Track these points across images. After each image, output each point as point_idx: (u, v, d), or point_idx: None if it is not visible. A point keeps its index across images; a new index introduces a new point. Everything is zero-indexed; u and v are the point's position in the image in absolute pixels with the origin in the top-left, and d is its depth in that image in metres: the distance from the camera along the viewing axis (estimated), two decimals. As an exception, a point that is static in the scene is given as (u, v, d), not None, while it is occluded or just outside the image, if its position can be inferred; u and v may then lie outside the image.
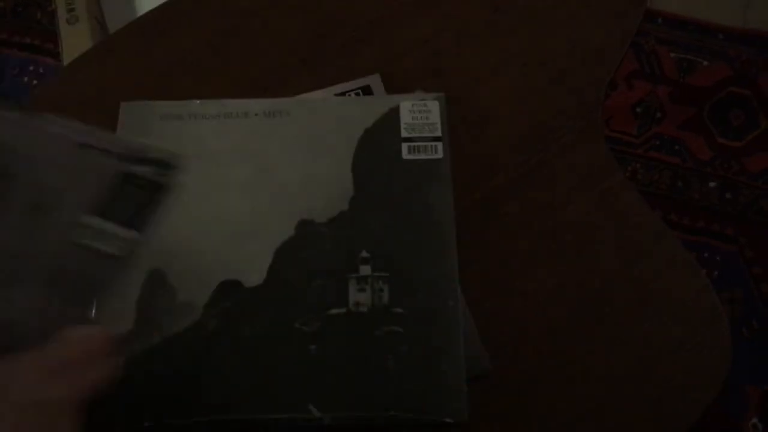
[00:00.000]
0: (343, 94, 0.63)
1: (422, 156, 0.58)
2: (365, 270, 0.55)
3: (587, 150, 0.62)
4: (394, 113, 0.60)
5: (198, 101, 0.60)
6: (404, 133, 0.59)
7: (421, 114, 0.60)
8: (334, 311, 0.54)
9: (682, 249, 0.59)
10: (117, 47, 0.71)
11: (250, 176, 0.57)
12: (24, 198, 0.42)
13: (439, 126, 0.60)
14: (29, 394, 0.34)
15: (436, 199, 0.57)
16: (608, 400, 0.54)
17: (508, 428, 0.53)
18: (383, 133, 0.59)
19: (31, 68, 1.47)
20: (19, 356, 0.35)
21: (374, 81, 0.64)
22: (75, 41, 1.33)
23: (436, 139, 0.59)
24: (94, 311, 0.40)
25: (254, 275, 0.55)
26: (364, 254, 0.55)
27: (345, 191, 0.57)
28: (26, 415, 0.33)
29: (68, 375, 0.35)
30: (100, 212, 0.42)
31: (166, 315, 0.53)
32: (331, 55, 0.67)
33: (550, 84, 0.65)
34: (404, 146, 0.59)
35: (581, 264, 0.58)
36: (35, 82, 1.46)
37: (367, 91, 0.64)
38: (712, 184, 1.31)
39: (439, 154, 0.59)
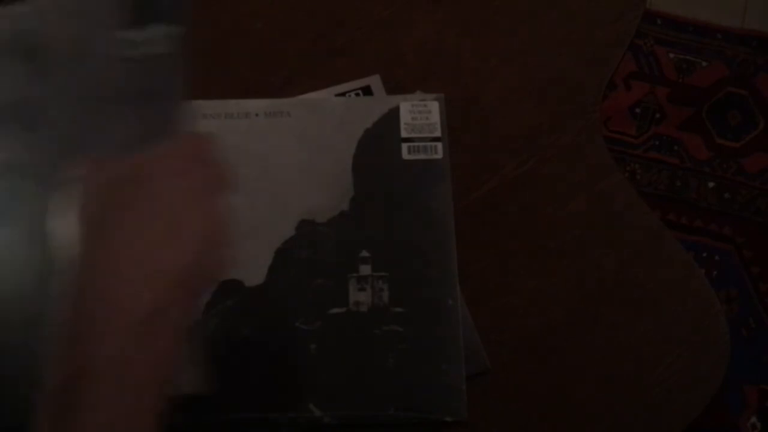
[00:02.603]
0: (343, 94, 0.64)
1: (422, 156, 0.59)
2: (365, 270, 0.55)
3: (586, 150, 0.63)
4: (393, 114, 0.60)
5: (200, 101, 0.60)
6: (404, 134, 0.59)
7: (420, 114, 0.60)
8: (334, 310, 0.54)
9: (681, 249, 0.59)
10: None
11: (251, 176, 0.57)
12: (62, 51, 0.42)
13: (438, 126, 0.60)
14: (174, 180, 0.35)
15: (435, 199, 0.57)
16: (607, 399, 0.54)
17: (507, 427, 0.54)
18: (383, 134, 0.59)
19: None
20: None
21: (374, 81, 0.64)
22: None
23: (436, 139, 0.59)
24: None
25: (255, 275, 0.55)
26: (364, 254, 0.55)
27: (345, 191, 0.57)
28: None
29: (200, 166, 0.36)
30: (130, 24, 0.42)
31: None
32: (332, 55, 0.67)
33: (549, 84, 0.66)
34: (404, 146, 0.59)
35: (580, 264, 0.58)
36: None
37: (367, 91, 0.64)
38: (710, 185, 1.31)
39: (439, 154, 0.59)
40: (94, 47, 0.42)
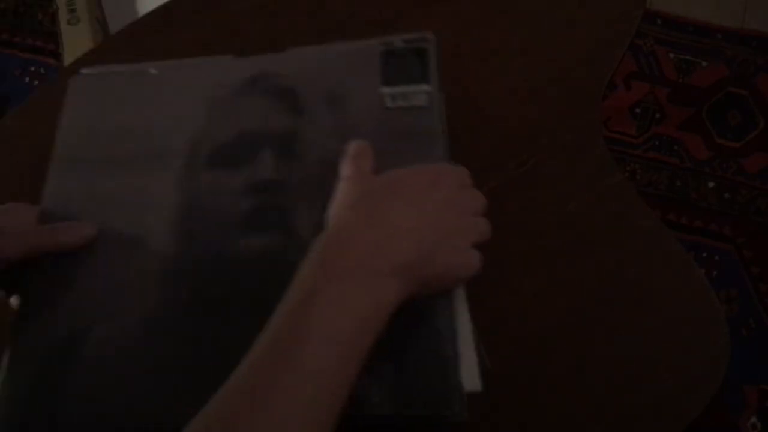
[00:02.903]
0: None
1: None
2: None
3: (586, 150, 0.63)
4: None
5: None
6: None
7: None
8: None
9: (681, 249, 0.59)
10: (118, 47, 0.71)
11: None
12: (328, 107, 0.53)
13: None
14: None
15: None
16: (608, 398, 0.54)
17: (507, 427, 0.54)
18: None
19: (33, 69, 1.47)
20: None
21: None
22: (76, 42, 1.33)
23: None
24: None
25: None
26: None
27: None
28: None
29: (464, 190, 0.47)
30: (389, 83, 0.53)
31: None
32: (332, 55, 0.67)
33: (549, 84, 0.66)
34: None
35: (580, 263, 0.58)
36: (36, 82, 1.46)
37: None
38: (710, 185, 1.31)
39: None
40: (354, 95, 0.53)
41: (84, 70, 0.59)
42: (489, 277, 0.58)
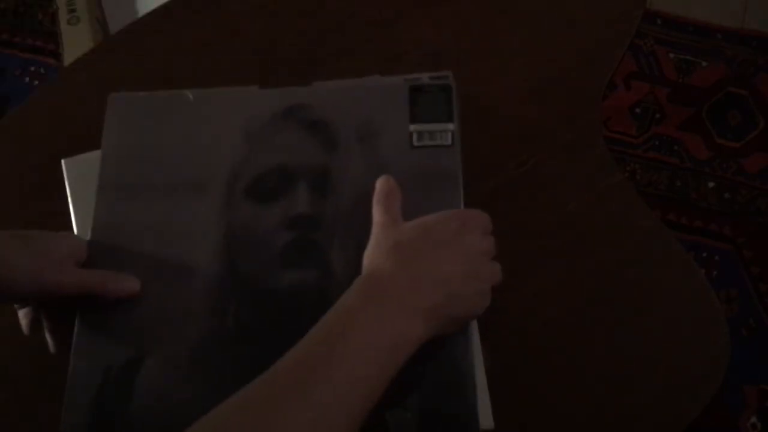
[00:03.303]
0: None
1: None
2: None
3: (586, 150, 0.63)
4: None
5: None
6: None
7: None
8: None
9: (681, 249, 0.59)
10: (118, 47, 0.71)
11: None
12: (357, 140, 0.55)
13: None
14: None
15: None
16: (608, 398, 0.54)
17: (507, 427, 0.54)
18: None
19: (33, 69, 1.47)
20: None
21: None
22: (76, 42, 1.33)
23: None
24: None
25: None
26: None
27: None
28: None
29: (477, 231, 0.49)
30: (416, 120, 0.55)
31: None
32: (332, 55, 0.67)
33: (549, 84, 0.66)
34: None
35: (580, 263, 0.58)
36: (36, 82, 1.46)
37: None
38: (710, 185, 1.31)
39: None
40: (384, 132, 0.55)
41: (121, 94, 0.60)
42: (489, 277, 0.58)
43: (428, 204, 0.50)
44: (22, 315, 0.52)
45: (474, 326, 0.51)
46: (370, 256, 0.48)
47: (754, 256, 1.25)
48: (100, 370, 0.50)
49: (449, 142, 0.54)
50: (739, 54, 1.42)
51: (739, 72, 1.40)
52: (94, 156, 0.58)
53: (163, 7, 0.72)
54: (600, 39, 0.67)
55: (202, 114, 0.58)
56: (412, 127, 0.54)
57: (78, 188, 0.58)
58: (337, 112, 0.56)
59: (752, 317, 1.21)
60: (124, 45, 0.70)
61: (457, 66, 0.66)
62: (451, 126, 0.54)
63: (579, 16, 0.69)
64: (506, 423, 0.52)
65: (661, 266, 0.58)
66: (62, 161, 0.60)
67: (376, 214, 0.50)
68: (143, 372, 0.49)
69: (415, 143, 0.54)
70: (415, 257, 0.46)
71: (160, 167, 0.56)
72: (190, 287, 0.52)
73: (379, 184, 0.51)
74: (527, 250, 0.59)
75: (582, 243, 0.59)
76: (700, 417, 0.53)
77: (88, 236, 0.54)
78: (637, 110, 1.38)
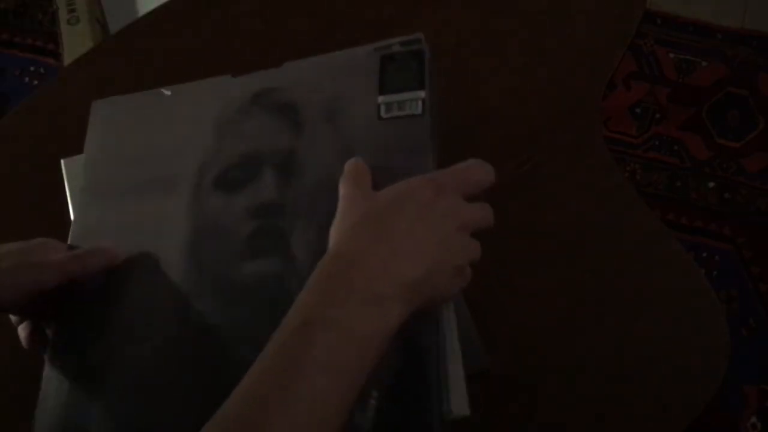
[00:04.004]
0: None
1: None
2: None
3: (586, 150, 0.63)
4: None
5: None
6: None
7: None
8: None
9: (681, 249, 0.59)
10: (117, 47, 0.71)
11: None
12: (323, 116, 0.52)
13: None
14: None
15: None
16: (608, 398, 0.54)
17: (507, 427, 0.54)
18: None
19: (33, 69, 1.47)
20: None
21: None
22: (76, 42, 1.33)
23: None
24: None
25: None
26: None
27: None
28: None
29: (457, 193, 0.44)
30: (385, 91, 0.50)
31: None
32: (332, 55, 0.67)
33: (549, 84, 0.66)
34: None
35: (580, 263, 0.58)
36: (36, 82, 1.46)
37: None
38: (710, 185, 1.31)
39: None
40: (351, 107, 0.51)
41: (103, 100, 0.59)
42: (490, 276, 0.58)
43: (397, 178, 0.45)
44: (21, 329, 0.52)
45: (446, 312, 0.47)
46: (335, 232, 0.43)
47: (754, 256, 1.25)
48: (75, 368, 0.50)
49: (419, 111, 0.49)
50: (739, 54, 1.42)
51: (739, 72, 1.40)
52: None
53: (163, 7, 0.72)
54: (600, 39, 0.67)
55: (178, 109, 0.57)
56: (381, 99, 0.50)
57: (78, 188, 0.58)
58: (304, 92, 0.53)
59: (752, 317, 1.21)
60: (124, 45, 0.70)
61: (457, 66, 0.66)
62: (422, 93, 0.49)
63: (579, 16, 0.69)
64: (506, 423, 0.52)
65: (661, 266, 0.58)
66: (62, 161, 0.60)
67: (343, 188, 0.46)
68: (118, 370, 0.49)
69: (384, 115, 0.50)
70: (388, 228, 0.41)
71: (135, 168, 0.55)
72: (159, 286, 0.51)
73: (348, 165, 0.47)
74: (527, 250, 0.59)
75: (582, 243, 0.59)
76: (700, 417, 0.53)
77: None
78: (637, 110, 1.38)
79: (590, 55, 0.67)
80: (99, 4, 1.37)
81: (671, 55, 1.43)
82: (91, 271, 0.50)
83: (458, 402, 0.45)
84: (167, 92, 0.58)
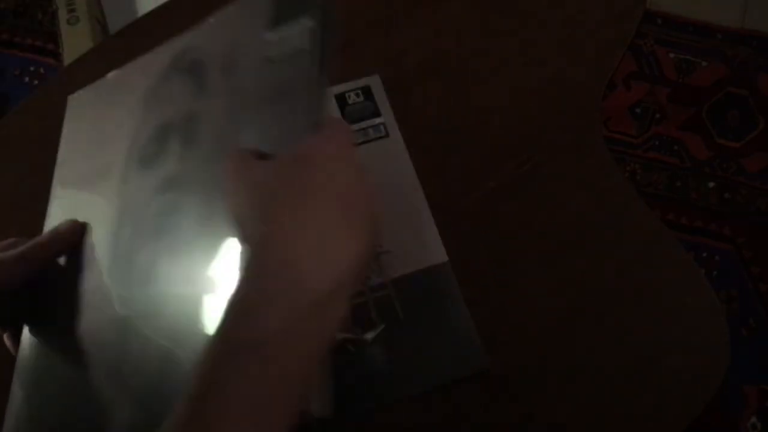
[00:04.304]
0: (342, 94, 0.64)
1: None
2: None
3: (586, 150, 0.63)
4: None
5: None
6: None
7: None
8: None
9: (681, 249, 0.59)
10: (117, 47, 0.71)
11: None
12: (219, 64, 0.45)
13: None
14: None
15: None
16: (608, 398, 0.54)
17: (507, 426, 0.54)
18: None
19: (32, 69, 1.47)
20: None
21: (374, 81, 0.64)
22: (76, 42, 1.33)
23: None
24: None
25: None
26: None
27: None
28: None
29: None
30: (274, 25, 0.42)
31: None
32: (332, 55, 0.67)
33: (549, 84, 0.66)
34: None
35: (580, 264, 0.58)
36: (36, 82, 1.46)
37: (367, 91, 0.64)
38: (710, 185, 1.31)
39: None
40: (244, 53, 0.43)
41: (76, 93, 0.58)
42: (490, 277, 0.58)
43: (285, 126, 0.39)
44: (6, 337, 0.51)
45: None
46: (239, 222, 0.36)
47: (754, 256, 1.25)
48: (35, 388, 0.48)
49: (306, 45, 0.39)
50: (739, 54, 1.42)
51: (739, 72, 1.40)
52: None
53: (163, 7, 0.72)
54: (600, 39, 0.67)
55: (125, 90, 0.53)
56: (268, 36, 0.42)
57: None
58: (208, 46, 0.47)
59: (752, 317, 1.21)
60: (124, 45, 0.70)
61: (457, 66, 0.66)
62: (309, 23, 0.40)
63: (579, 16, 0.69)
64: (506, 422, 0.52)
65: (661, 266, 0.58)
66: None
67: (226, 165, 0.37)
68: (65, 364, 0.47)
69: (272, 56, 0.42)
70: (306, 209, 0.33)
71: (86, 160, 0.53)
72: (89, 280, 0.48)
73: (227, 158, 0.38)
74: (527, 249, 0.59)
75: (582, 243, 0.59)
76: (700, 417, 0.53)
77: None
78: (637, 110, 1.38)
79: (590, 54, 0.67)
80: (99, 4, 1.37)
81: (671, 55, 1.43)
82: (59, 248, 0.48)
83: (323, 405, 0.39)
84: (110, 75, 0.55)
